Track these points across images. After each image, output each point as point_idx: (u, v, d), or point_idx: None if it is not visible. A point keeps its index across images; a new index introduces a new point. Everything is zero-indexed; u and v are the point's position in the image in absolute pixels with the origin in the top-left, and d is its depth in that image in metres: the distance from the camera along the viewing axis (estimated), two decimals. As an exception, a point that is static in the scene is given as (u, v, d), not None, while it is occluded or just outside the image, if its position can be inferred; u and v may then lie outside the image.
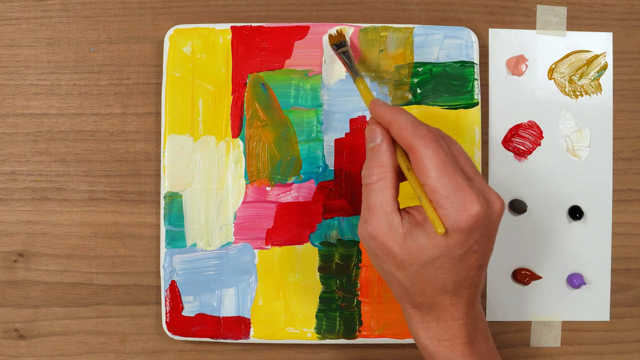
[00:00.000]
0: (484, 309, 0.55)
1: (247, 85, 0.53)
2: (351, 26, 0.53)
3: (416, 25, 0.54)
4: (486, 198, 0.42)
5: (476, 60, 0.54)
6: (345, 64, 0.50)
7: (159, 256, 0.54)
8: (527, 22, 0.55)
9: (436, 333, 0.44)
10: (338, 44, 0.51)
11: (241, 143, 0.53)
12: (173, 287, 0.53)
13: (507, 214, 0.55)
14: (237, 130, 0.53)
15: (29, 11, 0.54)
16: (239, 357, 0.55)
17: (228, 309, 0.53)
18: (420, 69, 0.54)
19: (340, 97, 0.54)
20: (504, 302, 0.55)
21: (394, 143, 0.43)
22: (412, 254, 0.41)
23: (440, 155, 0.41)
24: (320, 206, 0.53)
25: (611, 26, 0.56)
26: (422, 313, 0.44)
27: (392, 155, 0.43)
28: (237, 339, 0.53)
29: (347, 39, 0.52)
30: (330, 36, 0.52)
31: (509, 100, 0.55)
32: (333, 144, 0.53)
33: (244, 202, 0.53)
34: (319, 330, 0.53)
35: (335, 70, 0.53)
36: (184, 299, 0.53)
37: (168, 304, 0.53)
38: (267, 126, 0.53)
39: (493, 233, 0.43)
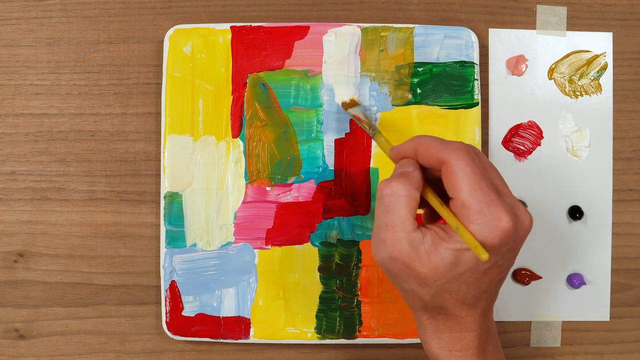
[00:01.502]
0: (484, 309, 0.55)
1: (247, 85, 0.53)
2: (351, 25, 0.54)
3: (416, 25, 0.54)
4: (516, 214, 0.41)
5: (476, 60, 0.54)
6: (361, 124, 0.51)
7: (159, 256, 0.54)
8: (527, 22, 0.55)
9: (448, 343, 0.43)
10: (352, 108, 0.52)
11: (241, 143, 0.53)
12: (173, 287, 0.53)
13: (507, 214, 0.55)
14: (237, 130, 0.53)
15: (29, 11, 0.54)
16: (239, 357, 0.55)
17: (228, 309, 0.53)
18: (420, 69, 0.54)
19: (340, 97, 0.54)
20: (504, 302, 0.55)
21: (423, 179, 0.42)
22: (438, 271, 0.40)
23: (473, 168, 0.39)
24: (320, 206, 0.53)
25: (611, 26, 0.56)
26: (438, 323, 0.43)
27: (421, 181, 0.41)
28: (237, 339, 0.53)
29: (359, 102, 0.53)
30: (344, 103, 0.53)
31: (509, 100, 0.55)
32: (333, 144, 0.53)
33: (244, 202, 0.53)
34: (319, 330, 0.53)
35: (335, 70, 0.54)
36: (184, 299, 0.53)
37: (168, 304, 0.53)
38: (267, 126, 0.53)
39: (518, 248, 0.42)
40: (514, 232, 0.40)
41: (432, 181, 0.43)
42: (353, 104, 0.53)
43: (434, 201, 0.41)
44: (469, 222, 0.39)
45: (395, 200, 0.40)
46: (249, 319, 0.53)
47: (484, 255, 0.38)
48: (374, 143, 0.53)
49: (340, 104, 0.53)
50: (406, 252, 0.40)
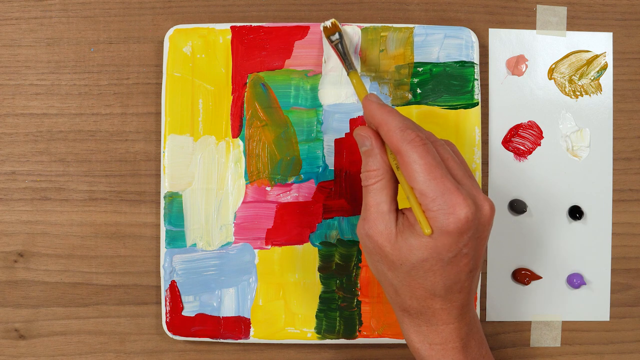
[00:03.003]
0: (484, 309, 0.55)
1: (247, 85, 0.53)
2: (350, 25, 0.54)
3: (416, 25, 0.54)
4: (475, 201, 0.42)
5: (476, 60, 0.54)
6: (339, 55, 0.50)
7: (159, 256, 0.54)
8: (527, 22, 0.55)
9: (427, 337, 0.44)
10: (333, 35, 0.51)
11: (241, 143, 0.53)
12: (173, 287, 0.53)
13: (507, 214, 0.55)
14: (237, 130, 0.53)
15: (29, 11, 0.54)
16: (239, 357, 0.55)
17: (228, 309, 0.53)
18: (420, 69, 0.54)
19: (340, 97, 0.54)
20: (504, 302, 0.55)
21: (384, 144, 0.44)
22: (402, 254, 0.42)
23: (427, 158, 0.41)
24: (320, 206, 0.53)
25: (611, 26, 0.56)
26: (412, 317, 0.44)
27: (385, 157, 0.44)
28: (237, 339, 0.53)
29: (342, 31, 0.51)
30: (325, 28, 0.51)
31: (509, 100, 0.55)
32: (333, 144, 0.53)
33: (244, 202, 0.53)
34: (319, 330, 0.53)
35: (335, 69, 0.54)
36: (184, 299, 0.53)
37: (168, 304, 0.53)
38: (267, 126, 0.53)
39: (484, 236, 0.43)
40: (473, 220, 0.41)
41: None
42: (334, 29, 0.51)
43: (393, 165, 0.44)
44: (426, 210, 0.41)
45: (370, 188, 0.44)
46: (249, 319, 0.53)
47: (427, 230, 0.41)
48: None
49: (321, 29, 0.52)
50: (379, 230, 0.43)
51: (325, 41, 0.53)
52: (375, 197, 0.43)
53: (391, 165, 0.44)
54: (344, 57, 0.49)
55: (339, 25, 0.51)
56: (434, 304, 0.43)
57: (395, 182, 0.44)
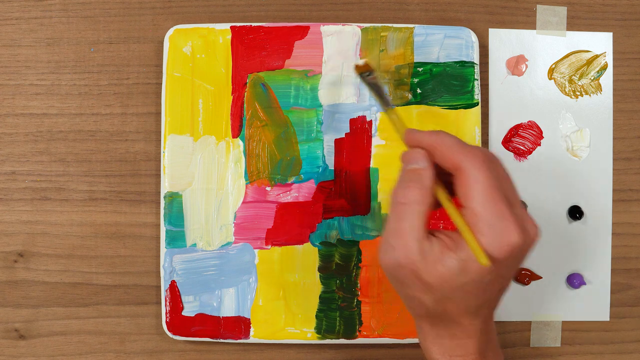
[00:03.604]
0: (484, 309, 0.55)
1: (247, 85, 0.53)
2: (350, 25, 0.54)
3: (416, 25, 0.54)
4: (524, 227, 0.40)
5: (476, 60, 0.54)
6: (374, 93, 0.48)
7: (159, 256, 0.54)
8: (527, 22, 0.55)
9: (449, 349, 0.43)
10: (365, 73, 0.48)
11: (241, 143, 0.53)
12: (173, 287, 0.53)
13: (507, 214, 0.55)
14: (237, 130, 0.53)
15: (29, 11, 0.54)
16: (239, 357, 0.55)
17: (228, 309, 0.53)
18: (420, 69, 0.54)
19: (340, 97, 0.54)
20: (504, 302, 0.55)
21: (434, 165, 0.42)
22: (443, 279, 0.40)
23: (488, 179, 0.39)
24: (320, 206, 0.53)
25: (611, 26, 0.56)
26: (439, 330, 0.43)
27: (434, 180, 0.41)
28: (237, 339, 0.53)
29: (373, 68, 0.49)
30: (357, 66, 0.48)
31: (509, 100, 0.55)
32: (333, 144, 0.53)
33: (244, 202, 0.53)
34: (319, 330, 0.53)
35: (334, 69, 0.54)
36: (184, 299, 0.53)
37: (168, 304, 0.53)
38: (267, 126, 0.53)
39: (523, 259, 0.42)
40: (522, 246, 0.40)
41: (441, 174, 0.42)
42: (367, 68, 0.48)
43: (444, 200, 0.41)
44: (477, 233, 0.39)
45: (409, 208, 0.40)
46: (249, 319, 0.53)
47: (485, 262, 0.38)
48: (374, 142, 0.53)
49: (353, 67, 0.49)
50: (414, 260, 0.40)
51: (325, 43, 0.53)
52: (414, 221, 0.40)
53: (437, 196, 0.41)
54: (379, 95, 0.47)
55: (372, 65, 0.48)
56: (462, 320, 0.42)
57: (432, 209, 0.41)
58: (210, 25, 0.53)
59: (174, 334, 0.53)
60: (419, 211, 0.40)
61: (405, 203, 0.40)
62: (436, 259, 0.40)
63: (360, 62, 0.49)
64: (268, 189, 0.53)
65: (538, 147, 0.55)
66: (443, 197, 0.41)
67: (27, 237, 0.54)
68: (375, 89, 0.47)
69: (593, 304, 0.55)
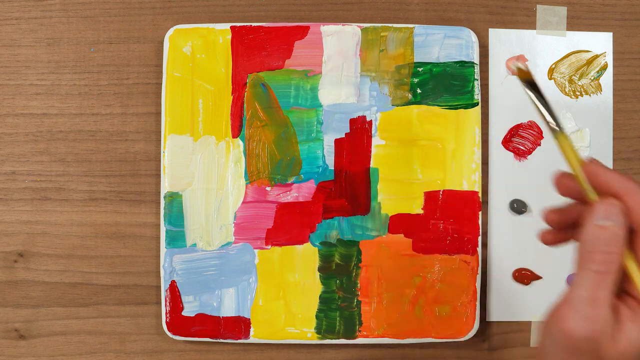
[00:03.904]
0: (484, 309, 0.55)
1: (247, 85, 0.53)
2: (350, 25, 0.54)
3: (416, 25, 0.54)
4: None
5: (476, 60, 0.54)
6: (539, 109, 0.38)
7: (159, 256, 0.54)
8: (527, 22, 0.55)
9: None
10: (528, 81, 0.38)
11: (241, 143, 0.53)
12: (173, 287, 0.53)
13: (507, 214, 0.55)
14: (237, 130, 0.53)
15: (29, 11, 0.54)
16: (239, 357, 0.55)
17: (228, 309, 0.53)
18: (420, 69, 0.54)
19: (340, 97, 0.54)
20: (504, 302, 0.55)
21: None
22: (618, 351, 0.34)
23: None
24: (320, 206, 0.53)
25: (611, 26, 0.56)
26: None
27: (626, 239, 0.35)
28: (237, 339, 0.53)
29: (534, 78, 0.39)
30: (520, 70, 0.39)
31: (509, 100, 0.55)
32: (333, 144, 0.53)
33: (244, 202, 0.53)
34: (319, 330, 0.53)
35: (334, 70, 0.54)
36: (184, 299, 0.53)
37: (168, 304, 0.53)
38: (267, 126, 0.53)
39: None
40: None
41: None
42: (529, 74, 0.38)
43: (635, 270, 0.35)
44: None
45: (608, 277, 0.34)
46: (249, 319, 0.53)
47: None
48: (374, 142, 0.53)
49: (514, 68, 0.39)
50: (604, 330, 0.34)
51: (325, 43, 0.53)
52: (605, 288, 0.34)
53: (629, 269, 0.35)
54: (549, 111, 0.38)
55: (532, 74, 0.39)
56: None
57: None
58: (210, 25, 0.53)
59: (174, 334, 0.53)
60: (614, 280, 0.34)
61: (606, 272, 0.34)
62: (619, 326, 0.35)
63: (521, 64, 0.39)
64: (268, 189, 0.53)
65: (538, 147, 0.55)
66: (631, 261, 0.35)
67: (27, 237, 0.54)
68: (542, 104, 0.38)
69: (593, 304, 0.55)
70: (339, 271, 0.53)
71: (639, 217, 0.34)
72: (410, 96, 0.54)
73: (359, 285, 0.53)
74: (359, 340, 0.53)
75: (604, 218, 0.35)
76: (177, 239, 0.53)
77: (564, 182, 0.38)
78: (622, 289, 0.36)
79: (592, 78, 0.55)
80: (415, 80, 0.54)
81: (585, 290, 0.34)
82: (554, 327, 0.35)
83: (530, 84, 0.38)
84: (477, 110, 0.54)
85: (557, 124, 0.37)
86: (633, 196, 0.34)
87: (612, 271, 0.34)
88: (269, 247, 0.53)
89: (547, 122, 0.38)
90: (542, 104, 0.38)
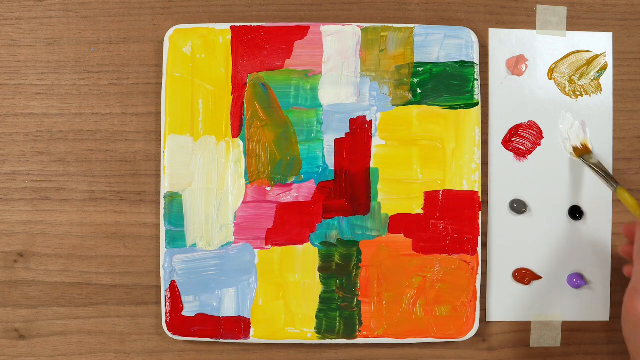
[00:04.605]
0: (484, 309, 0.55)
1: (247, 85, 0.53)
2: (350, 25, 0.54)
3: (416, 25, 0.54)
4: None
5: (476, 60, 0.54)
6: (599, 174, 0.51)
7: (159, 256, 0.54)
8: (527, 22, 0.55)
9: None
10: (585, 155, 0.52)
11: (241, 143, 0.53)
12: (173, 287, 0.53)
13: (507, 214, 0.55)
14: (237, 130, 0.53)
15: (29, 11, 0.54)
16: (239, 357, 0.55)
17: (228, 309, 0.53)
18: (420, 69, 0.54)
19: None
20: (504, 302, 0.55)
21: None
22: None
23: None
24: (320, 206, 0.53)
25: (611, 26, 0.56)
26: None
27: None
28: (237, 339, 0.53)
29: (591, 149, 0.53)
30: (575, 148, 0.53)
31: (509, 100, 0.55)
32: (333, 144, 0.53)
33: (244, 202, 0.53)
34: (319, 330, 0.53)
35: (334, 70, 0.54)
36: (184, 299, 0.53)
37: (168, 304, 0.53)
38: (267, 126, 0.53)
39: None
40: None
41: None
42: (585, 150, 0.52)
43: None
44: None
45: None
46: (249, 319, 0.53)
47: None
48: (374, 142, 0.53)
49: (571, 149, 0.53)
50: None
51: (325, 43, 0.53)
52: None
53: None
54: (605, 176, 0.51)
55: (590, 147, 0.53)
56: None
57: None
58: (210, 25, 0.53)
59: (174, 334, 0.53)
60: None
61: None
62: None
63: (577, 143, 0.52)
64: (268, 189, 0.53)
65: (538, 147, 0.55)
66: None
67: (27, 237, 0.54)
68: (600, 171, 0.51)
69: (593, 304, 0.55)
70: (339, 271, 0.53)
71: None
72: (410, 96, 0.54)
73: (359, 285, 0.53)
74: (359, 340, 0.53)
75: None
76: (177, 239, 0.53)
77: (630, 229, 0.48)
78: None
79: (592, 78, 0.55)
80: (415, 80, 0.54)
81: None
82: (628, 315, 0.44)
83: (589, 156, 0.51)
84: (477, 110, 0.54)
85: (614, 183, 0.49)
86: None
87: None
88: (269, 247, 0.53)
89: (607, 183, 0.49)
90: (601, 171, 0.50)
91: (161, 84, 0.54)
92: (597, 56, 0.55)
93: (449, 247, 0.53)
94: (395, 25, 0.54)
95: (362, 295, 0.53)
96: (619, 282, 0.55)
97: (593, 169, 0.51)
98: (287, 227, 0.53)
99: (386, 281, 0.53)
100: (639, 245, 0.45)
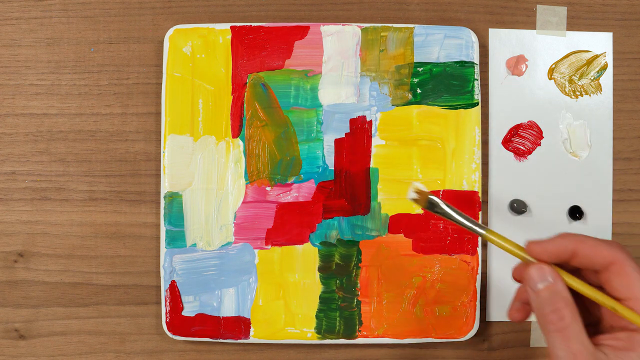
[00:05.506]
0: (484, 309, 0.55)
1: (247, 85, 0.53)
2: (350, 25, 0.54)
3: (416, 25, 0.54)
4: None
5: (476, 60, 0.54)
6: (458, 221, 0.41)
7: (159, 256, 0.54)
8: (527, 22, 0.55)
9: None
10: (428, 205, 0.41)
11: (241, 143, 0.53)
12: (173, 287, 0.53)
13: (507, 214, 0.55)
14: (237, 130, 0.53)
15: (29, 11, 0.54)
16: (239, 357, 0.55)
17: (228, 309, 0.53)
18: (420, 69, 0.54)
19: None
20: (504, 302, 0.55)
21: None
22: None
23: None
24: (320, 206, 0.53)
25: (611, 26, 0.56)
26: None
27: (568, 290, 0.38)
28: (237, 339, 0.53)
29: (432, 195, 0.42)
30: (416, 200, 0.42)
31: (509, 100, 0.55)
32: (333, 144, 0.53)
33: (244, 202, 0.53)
34: (319, 330, 0.53)
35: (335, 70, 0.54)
36: (184, 299, 0.53)
37: (168, 304, 0.53)
38: (267, 126, 0.53)
39: None
40: None
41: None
42: (423, 198, 0.41)
43: (587, 289, 0.39)
44: None
45: (571, 330, 0.37)
46: (249, 319, 0.53)
47: None
48: (374, 142, 0.53)
49: (413, 195, 0.42)
50: None
51: (325, 43, 0.53)
52: (581, 339, 0.37)
53: (579, 291, 0.39)
54: (465, 218, 0.41)
55: (423, 189, 0.42)
56: None
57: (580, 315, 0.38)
58: (210, 25, 0.53)
59: (174, 334, 0.53)
60: (579, 327, 0.37)
61: (565, 326, 0.37)
62: None
63: (413, 195, 0.42)
64: (268, 189, 0.53)
65: (538, 147, 0.55)
66: (590, 291, 0.38)
67: (27, 237, 0.54)
68: (453, 217, 0.41)
69: (593, 304, 0.55)
70: (339, 271, 0.53)
71: (594, 259, 0.38)
72: (410, 96, 0.54)
73: (359, 285, 0.53)
74: (359, 340, 0.53)
75: (539, 281, 0.38)
76: (177, 239, 0.53)
77: (519, 271, 0.41)
78: (598, 328, 0.40)
79: (592, 78, 0.55)
80: (415, 80, 0.54)
81: (561, 350, 0.37)
82: None
83: (434, 204, 0.41)
84: (477, 110, 0.54)
85: (479, 227, 0.40)
86: (582, 244, 0.38)
87: (571, 322, 0.37)
88: (269, 247, 0.53)
89: (471, 229, 0.40)
90: (454, 218, 0.41)
91: (161, 84, 0.54)
92: (597, 56, 0.55)
93: (449, 247, 0.53)
94: (395, 25, 0.54)
95: (362, 295, 0.53)
96: (619, 282, 0.55)
97: (448, 216, 0.41)
98: (287, 227, 0.53)
99: (386, 281, 0.53)
100: (535, 312, 0.39)
